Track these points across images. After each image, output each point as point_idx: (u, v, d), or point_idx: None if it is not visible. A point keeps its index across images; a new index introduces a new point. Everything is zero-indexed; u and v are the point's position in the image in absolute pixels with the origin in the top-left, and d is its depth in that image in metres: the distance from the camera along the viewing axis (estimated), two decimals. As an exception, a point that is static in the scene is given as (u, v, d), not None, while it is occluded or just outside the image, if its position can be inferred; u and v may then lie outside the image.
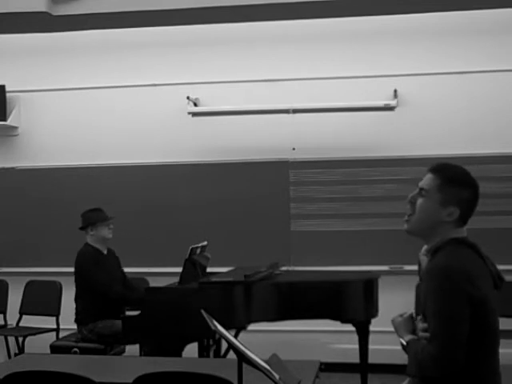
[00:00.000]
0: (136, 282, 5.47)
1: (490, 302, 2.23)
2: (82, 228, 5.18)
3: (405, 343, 2.30)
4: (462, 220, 2.32)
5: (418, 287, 5.27)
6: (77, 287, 5.12)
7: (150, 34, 6.34)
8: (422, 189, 2.33)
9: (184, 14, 5.82)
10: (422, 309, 2.32)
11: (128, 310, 5.02)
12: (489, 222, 5.79)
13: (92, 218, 5.14)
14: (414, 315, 2.41)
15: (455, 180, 2.30)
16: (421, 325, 2.31)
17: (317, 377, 3.24)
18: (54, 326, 5.88)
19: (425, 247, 2.39)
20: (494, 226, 5.79)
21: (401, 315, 2.42)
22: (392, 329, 2.42)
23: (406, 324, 2.37)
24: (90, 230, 5.14)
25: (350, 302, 4.80)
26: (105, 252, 5.22)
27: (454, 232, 2.31)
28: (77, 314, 5.08)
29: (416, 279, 5.48)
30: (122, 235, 5.79)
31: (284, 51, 6.22)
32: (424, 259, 2.39)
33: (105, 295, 4.95)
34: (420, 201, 2.32)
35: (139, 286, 5.34)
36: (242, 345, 2.46)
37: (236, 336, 4.77)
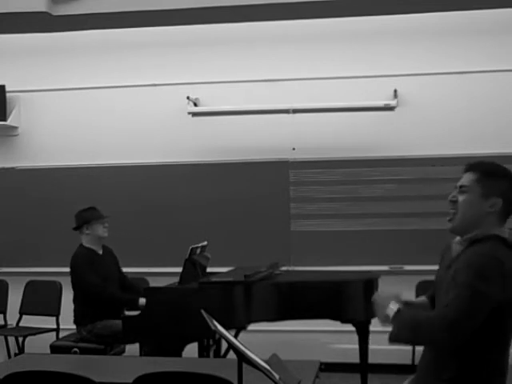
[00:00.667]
0: (136, 282, 5.46)
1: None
2: (76, 228, 5.15)
3: (395, 309, 2.29)
4: (505, 212, 2.35)
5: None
6: (73, 289, 5.12)
7: (150, 34, 6.34)
8: (462, 186, 2.38)
9: (184, 13, 5.82)
10: (441, 290, 2.32)
11: (128, 309, 5.02)
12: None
13: (87, 217, 5.12)
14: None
15: (493, 172, 2.38)
16: None
17: (317, 377, 3.23)
18: (54, 326, 5.88)
19: (458, 238, 2.40)
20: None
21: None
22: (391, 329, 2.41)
23: (395, 297, 2.39)
24: (86, 229, 5.12)
25: (350, 301, 4.79)
26: (100, 252, 5.19)
27: (496, 229, 2.34)
28: (75, 315, 5.08)
29: (416, 279, 5.52)
30: (122, 235, 5.81)
31: (284, 51, 6.21)
32: (456, 247, 2.39)
33: (98, 297, 4.95)
34: (462, 197, 2.37)
35: (139, 285, 5.33)
36: (242, 345, 2.46)
37: (236, 336, 4.77)
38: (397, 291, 2.44)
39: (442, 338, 2.17)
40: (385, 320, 2.35)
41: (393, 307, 2.32)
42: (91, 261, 5.05)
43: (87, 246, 5.13)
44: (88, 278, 4.96)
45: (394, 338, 2.29)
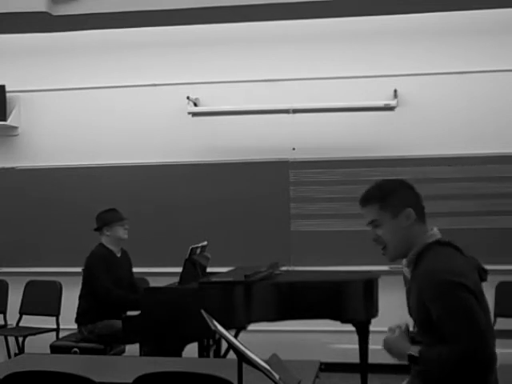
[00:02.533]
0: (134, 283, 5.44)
1: (482, 295, 2.25)
2: (97, 229, 5.14)
3: (416, 354, 2.22)
4: (420, 215, 2.36)
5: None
6: (82, 286, 5.12)
7: (150, 34, 6.34)
8: (372, 221, 2.40)
9: (184, 13, 5.82)
10: (414, 316, 2.33)
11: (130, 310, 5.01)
12: (489, 222, 5.80)
13: (107, 219, 5.12)
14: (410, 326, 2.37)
15: (386, 192, 2.41)
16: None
17: (317, 377, 3.24)
18: (54, 326, 5.88)
19: (405, 260, 2.41)
20: (494, 226, 5.79)
21: (391, 330, 2.37)
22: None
23: (405, 337, 2.33)
24: (106, 231, 5.12)
25: (350, 301, 4.80)
26: (118, 255, 5.19)
27: (427, 236, 2.35)
28: (78, 312, 5.08)
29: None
30: (122, 235, 5.80)
31: (284, 51, 6.21)
32: (407, 270, 2.40)
33: (105, 300, 4.95)
34: (380, 231, 2.39)
35: (141, 286, 5.32)
36: (242, 345, 2.46)
37: (236, 336, 4.77)
38: (403, 324, 2.37)
39: (477, 369, 2.15)
40: (405, 359, 2.29)
41: (412, 353, 2.24)
42: (107, 261, 5.05)
43: (106, 246, 5.13)
44: (100, 278, 4.95)
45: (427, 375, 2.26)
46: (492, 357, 2.17)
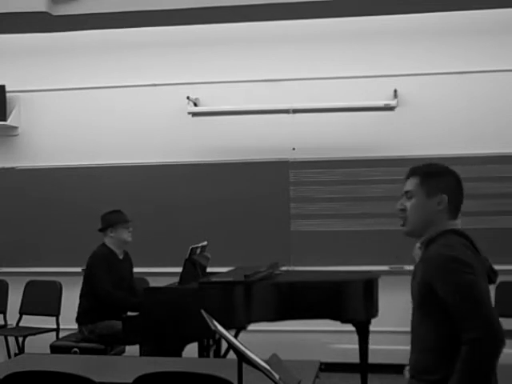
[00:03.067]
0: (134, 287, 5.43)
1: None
2: (101, 230, 5.14)
3: None
4: (454, 208, 2.38)
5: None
6: (83, 285, 5.11)
7: (150, 34, 6.34)
8: (407, 191, 2.42)
9: (184, 14, 5.83)
10: (415, 294, 2.36)
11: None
12: (489, 222, 5.80)
13: (112, 220, 5.11)
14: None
15: (432, 172, 2.42)
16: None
17: (317, 377, 3.24)
18: (54, 326, 5.88)
19: (418, 243, 2.43)
20: (494, 226, 5.79)
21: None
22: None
23: None
24: (110, 232, 5.11)
25: (350, 301, 4.80)
26: (120, 257, 5.18)
27: (447, 224, 2.36)
28: (79, 313, 5.07)
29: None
30: (122, 235, 5.79)
31: (284, 51, 6.22)
32: (417, 253, 2.42)
33: (105, 300, 4.94)
34: (409, 203, 2.40)
35: (141, 288, 5.31)
36: (242, 345, 2.46)
37: (236, 336, 4.77)
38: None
39: (497, 353, 2.13)
40: None
41: None
42: (109, 262, 5.04)
43: (109, 246, 5.13)
44: (101, 279, 4.94)
45: None
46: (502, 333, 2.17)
